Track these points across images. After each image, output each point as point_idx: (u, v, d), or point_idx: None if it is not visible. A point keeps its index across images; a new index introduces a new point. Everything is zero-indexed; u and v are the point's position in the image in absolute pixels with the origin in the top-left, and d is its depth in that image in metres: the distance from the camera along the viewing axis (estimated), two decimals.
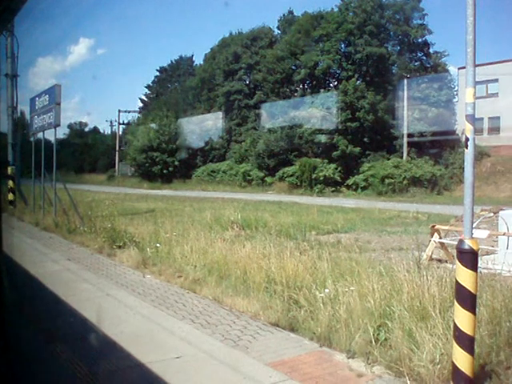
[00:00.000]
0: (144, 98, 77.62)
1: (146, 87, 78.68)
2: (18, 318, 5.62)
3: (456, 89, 42.22)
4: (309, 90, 47.99)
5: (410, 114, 40.38)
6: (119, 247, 11.53)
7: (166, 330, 6.22)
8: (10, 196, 20.97)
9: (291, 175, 43.26)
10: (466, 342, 4.12)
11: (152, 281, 8.96)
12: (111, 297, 7.89)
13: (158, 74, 77.44)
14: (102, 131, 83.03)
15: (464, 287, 4.13)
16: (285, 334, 6.00)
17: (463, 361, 4.11)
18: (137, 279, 9.09)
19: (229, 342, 5.76)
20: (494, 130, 39.32)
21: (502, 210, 11.56)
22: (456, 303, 4.20)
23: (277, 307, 6.55)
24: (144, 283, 8.77)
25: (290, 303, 6.62)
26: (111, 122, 74.60)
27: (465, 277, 4.14)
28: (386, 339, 5.21)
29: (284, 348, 5.57)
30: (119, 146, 65.88)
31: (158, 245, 10.78)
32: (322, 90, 46.88)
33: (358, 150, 41.48)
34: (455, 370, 4.16)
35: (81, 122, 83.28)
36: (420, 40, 44.40)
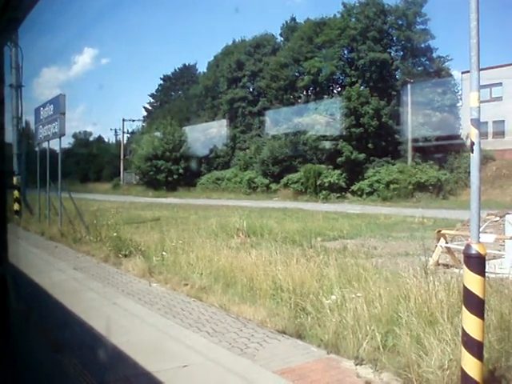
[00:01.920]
0: (148, 106, 78.24)
1: (150, 96, 79.32)
2: (24, 327, 5.61)
3: (460, 93, 42.06)
4: (312, 97, 47.96)
5: (414, 119, 40.25)
6: (125, 256, 11.51)
7: (172, 339, 6.20)
8: (16, 206, 20.99)
9: (296, 182, 43.21)
10: (475, 348, 4.08)
11: (158, 289, 8.94)
12: (118, 306, 7.89)
13: (161, 82, 78.05)
14: (106, 140, 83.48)
15: (472, 292, 4.09)
16: (292, 341, 5.97)
17: (472, 366, 4.07)
18: (143, 288, 9.08)
19: (236, 350, 5.74)
20: (499, 133, 39.24)
21: (508, 213, 11.51)
22: (464, 308, 4.16)
23: (284, 314, 6.53)
24: (150, 292, 8.76)
25: (297, 310, 6.60)
26: (116, 130, 75.07)
27: (472, 282, 4.10)
28: (393, 345, 5.18)
29: (291, 355, 5.54)
30: (124, 155, 66.08)
31: (163, 253, 10.75)
32: (325, 97, 46.84)
33: (362, 155, 41.28)
34: (464, 376, 4.12)
35: (85, 132, 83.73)
36: (423, 45, 44.29)
